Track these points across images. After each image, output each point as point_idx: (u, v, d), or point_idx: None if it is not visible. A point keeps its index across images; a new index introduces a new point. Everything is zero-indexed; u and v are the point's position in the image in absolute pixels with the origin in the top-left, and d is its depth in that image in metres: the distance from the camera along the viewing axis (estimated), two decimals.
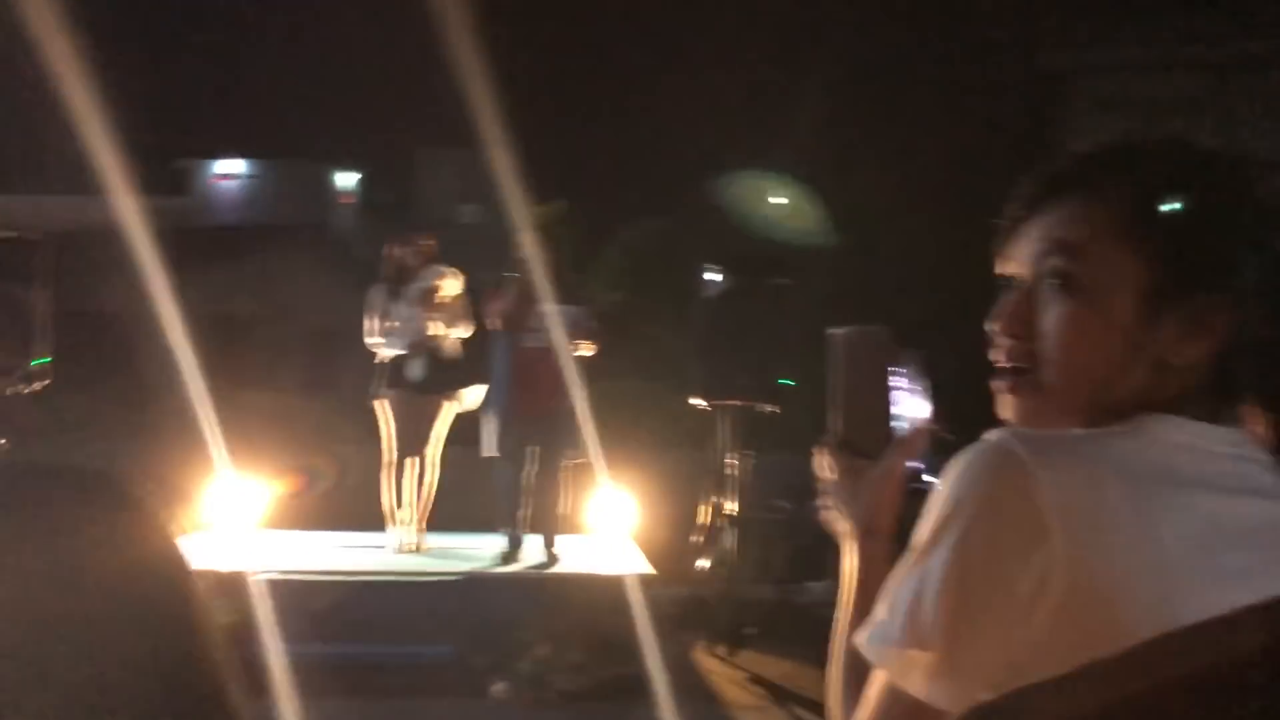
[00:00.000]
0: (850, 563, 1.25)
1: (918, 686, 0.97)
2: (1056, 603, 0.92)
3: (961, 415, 1.49)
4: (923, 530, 1.00)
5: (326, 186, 39.88)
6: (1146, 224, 1.03)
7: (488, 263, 7.32)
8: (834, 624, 1.23)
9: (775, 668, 5.94)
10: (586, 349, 6.52)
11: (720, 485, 6.69)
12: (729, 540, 6.51)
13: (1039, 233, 1.09)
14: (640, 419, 9.30)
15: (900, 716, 1.00)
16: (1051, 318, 1.05)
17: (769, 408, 6.34)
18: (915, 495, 1.31)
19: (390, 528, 6.90)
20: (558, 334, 6.25)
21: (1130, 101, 25.55)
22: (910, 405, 1.47)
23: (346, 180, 40.95)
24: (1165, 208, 1.04)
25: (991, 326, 1.12)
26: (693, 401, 6.63)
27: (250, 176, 40.01)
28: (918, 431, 1.35)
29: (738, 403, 6.48)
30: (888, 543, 1.25)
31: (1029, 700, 0.78)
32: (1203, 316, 1.01)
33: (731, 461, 6.59)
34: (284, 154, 40.24)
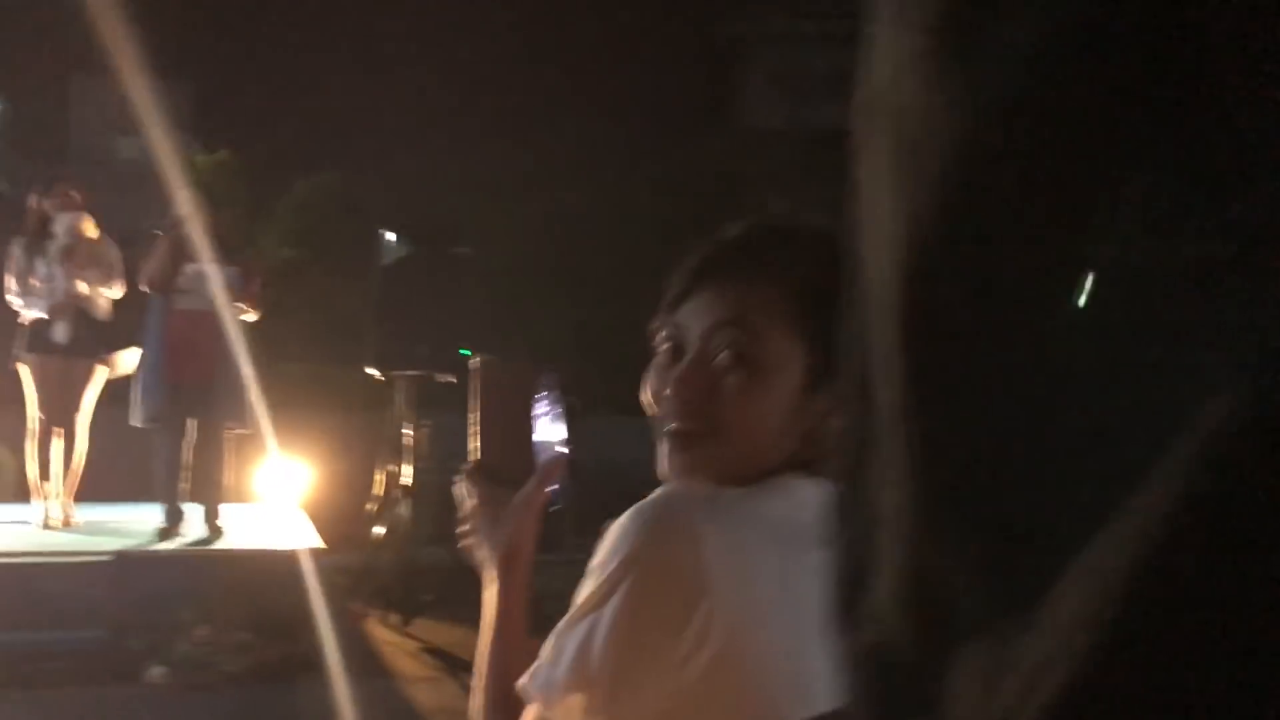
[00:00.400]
0: (492, 591, 1.26)
1: None
2: (711, 657, 0.97)
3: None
4: (593, 579, 1.03)
5: None
6: (805, 309, 1.09)
7: (147, 202, 6.88)
8: (477, 654, 1.25)
9: (449, 635, 5.94)
10: (249, 313, 6.24)
11: (396, 454, 6.61)
12: (404, 509, 6.45)
13: (709, 306, 1.13)
14: (314, 384, 9.05)
15: None
16: (726, 388, 1.10)
17: (448, 378, 6.30)
18: (551, 519, 1.35)
19: (36, 500, 6.43)
20: (217, 296, 5.93)
21: (802, 75, 26.92)
22: (549, 430, 1.49)
23: None
24: (818, 295, 1.10)
25: (659, 388, 1.15)
26: (368, 371, 6.51)
27: None
28: (556, 460, 1.38)
29: (414, 373, 6.41)
30: (528, 569, 1.27)
31: None
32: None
33: (407, 431, 6.52)
34: None
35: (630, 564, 1.00)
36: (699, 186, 20.19)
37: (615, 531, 1.04)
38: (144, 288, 6.18)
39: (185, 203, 6.10)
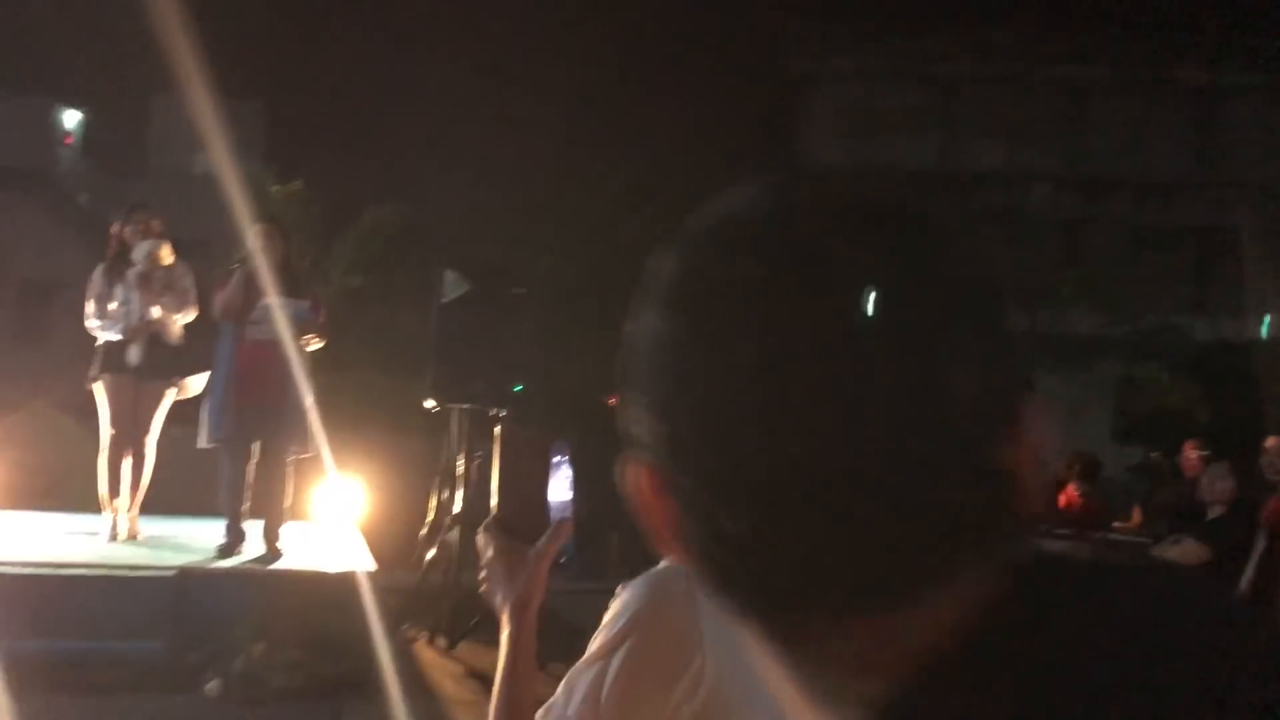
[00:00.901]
0: (507, 633, 1.44)
1: None
2: (697, 709, 1.18)
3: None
4: (605, 632, 1.23)
5: (50, 125, 37.33)
6: None
7: (221, 214, 7.13)
8: (494, 689, 1.44)
9: (492, 659, 6.05)
10: (315, 343, 6.49)
11: (449, 482, 6.82)
12: (454, 536, 6.65)
13: None
14: (375, 409, 9.29)
15: None
16: None
17: (501, 412, 6.51)
18: (597, 551, 1.56)
19: (105, 513, 6.69)
20: (284, 327, 6.17)
21: (865, 111, 26.91)
22: (562, 491, 1.71)
23: (70, 119, 38.45)
24: None
25: None
26: (426, 404, 6.73)
27: None
28: (565, 522, 1.58)
29: (468, 406, 6.62)
30: (536, 615, 1.45)
31: None
32: None
33: (461, 461, 6.73)
34: (4, 87, 37.39)
35: (635, 623, 1.21)
36: None
37: (627, 594, 1.24)
38: (219, 318, 6.43)
39: (259, 235, 6.36)
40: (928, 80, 27.25)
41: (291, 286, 6.35)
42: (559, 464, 1.72)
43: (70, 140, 38.44)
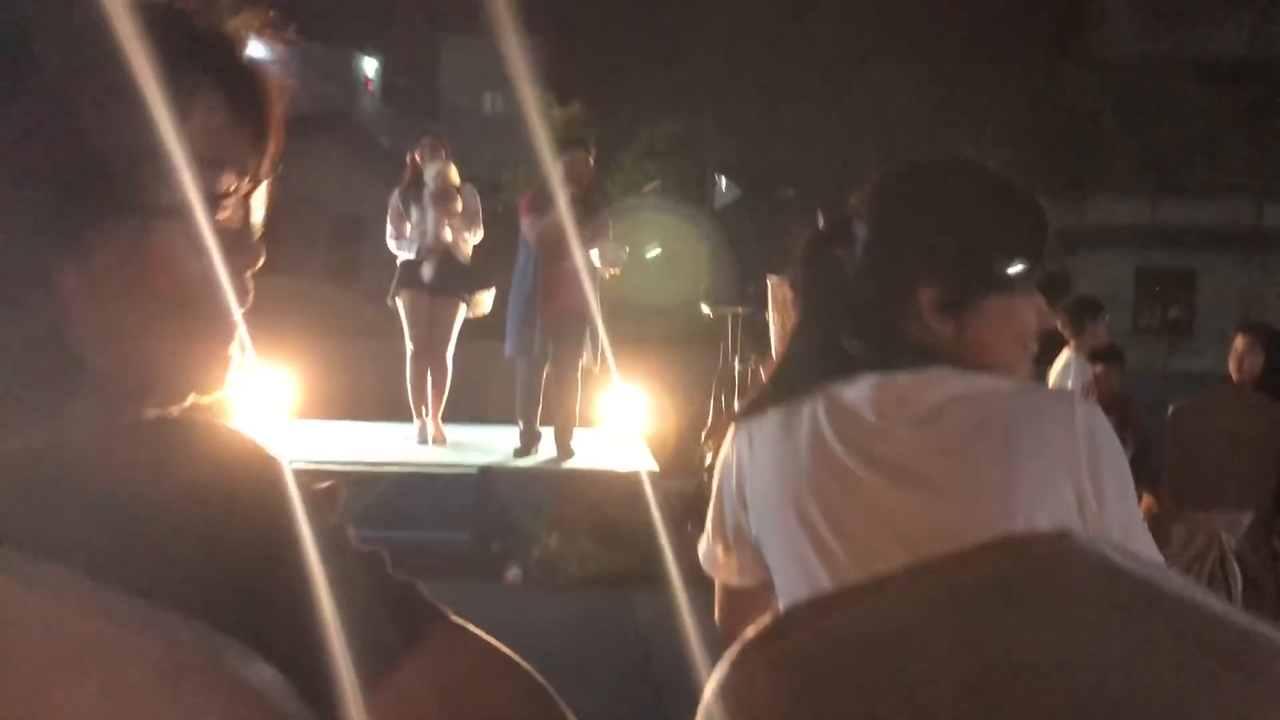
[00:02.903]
0: None
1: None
2: None
3: None
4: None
5: (351, 72, 39.71)
6: None
7: (512, 151, 7.44)
8: None
9: None
10: (615, 271, 6.72)
11: (727, 386, 6.99)
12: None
13: None
14: (656, 319, 9.57)
15: None
16: None
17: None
18: None
19: (417, 421, 7.23)
20: (589, 265, 6.40)
21: (1161, 1, 25.06)
22: None
23: (369, 67, 40.75)
24: None
25: None
26: (703, 309, 6.91)
27: (269, 62, 39.80)
28: None
29: (743, 310, 6.75)
30: None
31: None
32: None
33: (737, 365, 6.89)
34: (306, 38, 40.01)
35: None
36: (1050, 124, 19.34)
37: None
38: (534, 243, 6.71)
39: (574, 163, 6.57)
40: None
41: (593, 214, 6.58)
42: None
43: (370, 86, 40.83)
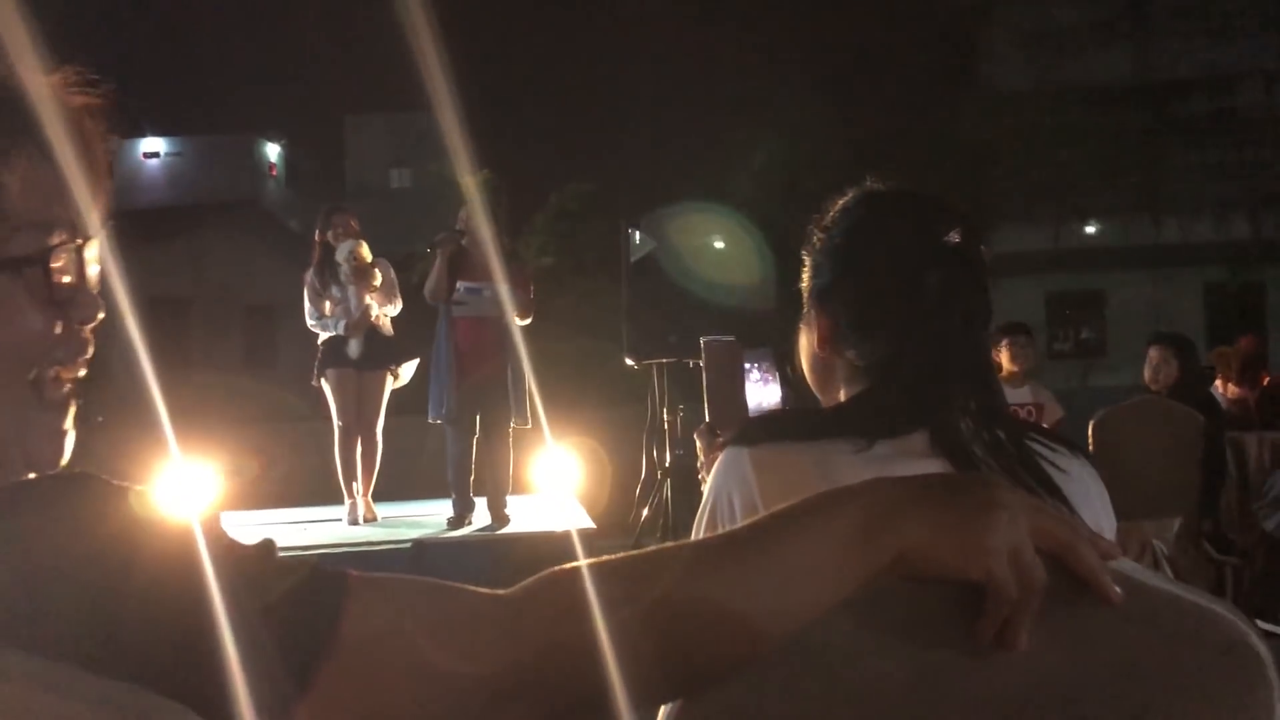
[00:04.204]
0: None
1: None
2: None
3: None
4: None
5: (253, 159, 39.53)
6: None
7: (421, 227, 7.46)
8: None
9: None
10: (522, 319, 6.73)
11: (658, 438, 6.99)
12: (666, 491, 6.81)
13: None
14: (580, 379, 9.57)
15: None
16: None
17: (698, 363, 6.64)
18: None
19: (348, 500, 7.12)
20: (492, 304, 6.44)
21: (1048, 31, 25.86)
22: (761, 394, 1.89)
23: (272, 152, 40.60)
24: None
25: None
26: (627, 360, 6.93)
27: (174, 154, 39.57)
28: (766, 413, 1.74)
29: (666, 360, 6.78)
30: None
31: None
32: None
33: (665, 416, 6.90)
34: (209, 130, 39.69)
35: None
36: (944, 155, 19.79)
37: None
38: (429, 299, 6.74)
39: (464, 219, 6.64)
40: None
41: (496, 264, 6.61)
42: (761, 372, 1.98)
43: (275, 171, 40.65)
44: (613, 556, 0.83)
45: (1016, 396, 6.06)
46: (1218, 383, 7.42)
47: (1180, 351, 5.86)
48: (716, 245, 6.96)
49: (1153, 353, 5.89)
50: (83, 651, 0.63)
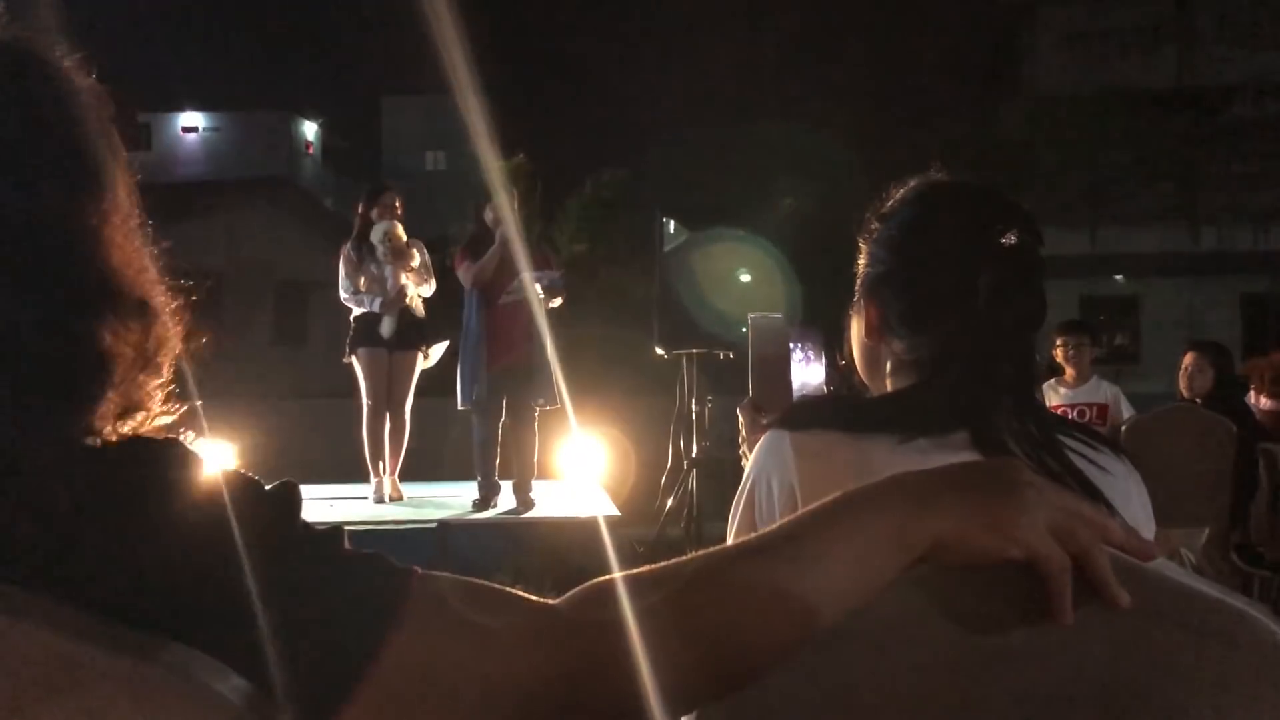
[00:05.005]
0: None
1: None
2: None
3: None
4: None
5: (291, 137, 39.71)
6: None
7: (454, 210, 7.48)
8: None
9: None
10: (556, 301, 6.75)
11: (685, 429, 6.99)
12: (692, 482, 6.80)
13: None
14: (610, 368, 9.58)
15: None
16: None
17: (729, 354, 6.64)
18: None
19: (374, 479, 7.16)
20: (531, 294, 6.45)
21: (1092, 33, 25.63)
22: (807, 374, 1.87)
23: (309, 131, 40.78)
24: None
25: None
26: (658, 350, 6.92)
27: (213, 129, 39.81)
28: (811, 396, 1.72)
29: (696, 350, 6.78)
30: None
31: None
32: None
33: (694, 406, 6.89)
34: (247, 106, 39.92)
35: None
36: (987, 159, 19.70)
37: None
38: (470, 285, 6.73)
39: (500, 207, 6.64)
40: None
41: (532, 250, 6.62)
42: (803, 350, 1.98)
43: (311, 149, 40.83)
44: (655, 566, 0.83)
45: (1075, 397, 6.04)
46: (1250, 394, 7.35)
47: (1216, 360, 5.81)
48: (748, 235, 6.95)
49: (1188, 359, 5.84)
50: (134, 605, 0.64)
